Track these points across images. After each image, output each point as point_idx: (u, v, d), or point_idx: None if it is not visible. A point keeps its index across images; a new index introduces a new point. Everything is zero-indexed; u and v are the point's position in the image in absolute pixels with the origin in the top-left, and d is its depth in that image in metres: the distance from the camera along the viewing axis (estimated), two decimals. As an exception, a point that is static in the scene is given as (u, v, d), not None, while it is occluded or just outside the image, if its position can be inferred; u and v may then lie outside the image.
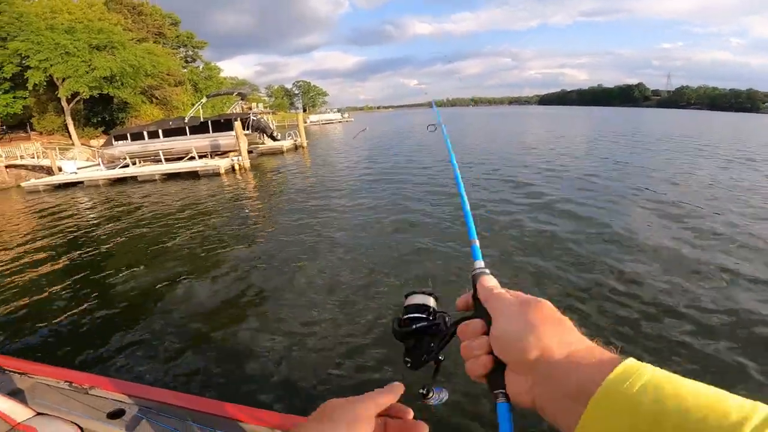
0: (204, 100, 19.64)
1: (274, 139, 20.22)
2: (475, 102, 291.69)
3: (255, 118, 18.61)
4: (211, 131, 17.44)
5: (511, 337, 0.34)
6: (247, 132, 17.52)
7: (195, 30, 50.87)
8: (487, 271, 0.45)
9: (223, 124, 17.12)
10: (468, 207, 0.60)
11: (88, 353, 3.63)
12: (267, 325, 3.86)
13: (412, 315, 0.44)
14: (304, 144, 21.04)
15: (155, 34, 40.56)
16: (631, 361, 0.29)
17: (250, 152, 18.88)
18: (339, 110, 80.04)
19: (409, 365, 0.44)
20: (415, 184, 10.11)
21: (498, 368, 0.35)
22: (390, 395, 0.39)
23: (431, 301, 0.45)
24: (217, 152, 17.51)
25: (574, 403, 0.29)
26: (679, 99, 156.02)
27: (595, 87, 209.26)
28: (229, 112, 20.72)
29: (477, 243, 0.52)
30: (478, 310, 0.40)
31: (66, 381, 1.66)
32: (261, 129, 18.69)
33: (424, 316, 0.44)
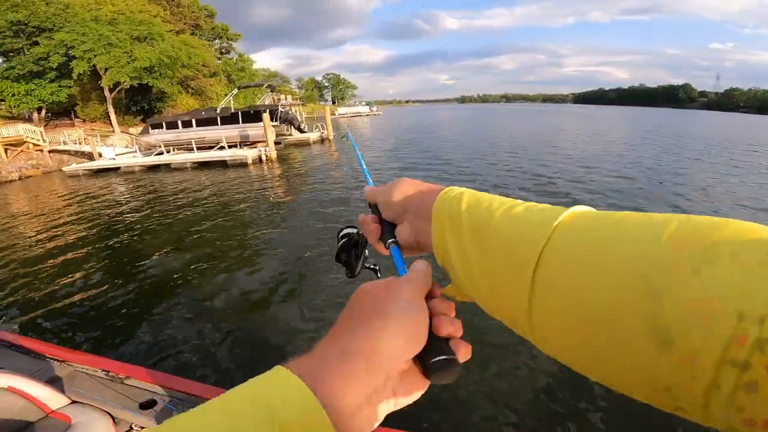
0: (235, 91, 20.08)
1: (301, 131, 20.40)
2: (508, 99, 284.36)
3: (284, 110, 18.83)
4: (241, 122, 17.78)
5: (385, 197, 0.41)
6: (275, 123, 17.77)
7: (230, 22, 52.13)
8: None
9: (253, 116, 17.40)
10: (360, 154, 0.68)
11: (118, 340, 3.74)
12: (302, 316, 3.87)
13: (341, 238, 0.53)
14: (331, 136, 21.14)
15: (192, 26, 41.79)
16: (451, 187, 0.37)
17: (278, 143, 19.20)
18: (368, 103, 79.88)
19: (349, 275, 0.52)
20: (439, 178, 9.94)
21: (387, 229, 0.42)
22: (428, 269, 0.36)
23: (354, 230, 0.52)
24: (246, 142, 17.85)
25: (428, 225, 0.36)
26: (728, 101, 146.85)
27: (635, 86, 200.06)
28: (259, 103, 21.05)
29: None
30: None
31: (103, 370, 1.70)
32: (289, 121, 18.89)
33: (350, 232, 0.52)
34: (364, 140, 22.58)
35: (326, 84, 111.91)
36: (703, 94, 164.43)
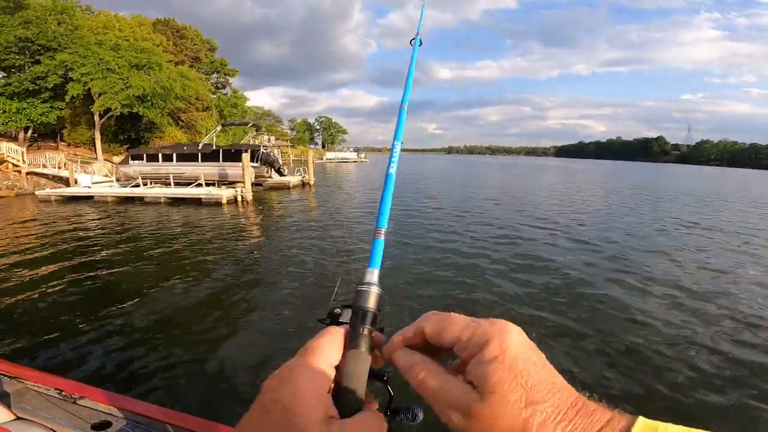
0: (218, 128, 20.37)
1: (281, 174, 20.59)
2: (492, 151, 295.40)
3: (264, 152, 19.11)
4: (221, 160, 17.92)
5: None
6: (255, 164, 17.95)
7: (230, 57, 53.87)
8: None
9: (234, 154, 17.57)
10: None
11: (75, 363, 3.80)
12: (257, 350, 4.07)
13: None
14: (311, 181, 21.34)
15: (192, 58, 42.93)
16: (643, 420, 0.28)
17: (259, 185, 19.32)
18: (356, 149, 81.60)
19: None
20: (419, 243, 10.02)
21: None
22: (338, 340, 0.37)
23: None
24: (225, 181, 17.90)
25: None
26: (698, 154, 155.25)
27: (613, 139, 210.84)
28: (243, 142, 21.36)
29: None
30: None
31: (56, 389, 1.63)
32: (269, 163, 19.12)
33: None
34: (347, 188, 22.91)
35: (318, 127, 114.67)
36: (675, 147, 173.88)
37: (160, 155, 18.96)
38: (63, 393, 1.62)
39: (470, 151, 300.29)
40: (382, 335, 0.43)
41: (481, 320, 0.35)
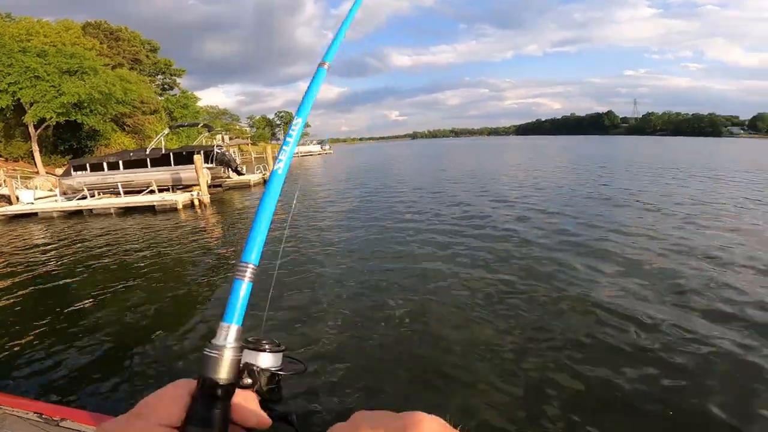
0: (166, 131, 19.28)
1: (238, 173, 19.81)
2: (456, 133, 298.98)
3: (219, 152, 18.26)
4: (173, 164, 16.97)
5: None
6: (211, 165, 17.15)
7: (178, 57, 51.48)
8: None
9: (185, 157, 16.66)
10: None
11: (45, 387, 3.61)
12: None
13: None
14: (273, 176, 20.73)
15: (131, 60, 40.42)
16: None
17: (218, 186, 18.51)
18: (320, 142, 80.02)
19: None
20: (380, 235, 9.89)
21: None
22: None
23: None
24: (179, 186, 16.99)
25: None
26: (646, 126, 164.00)
27: (568, 116, 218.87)
28: (196, 144, 20.35)
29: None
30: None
31: (36, 412, 1.60)
32: (226, 163, 18.30)
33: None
34: (313, 180, 22.43)
35: (278, 122, 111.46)
36: (624, 120, 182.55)
37: (104, 164, 17.71)
38: (44, 416, 1.60)
39: (434, 135, 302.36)
40: (248, 411, 0.38)
41: (390, 420, 0.30)
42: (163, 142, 18.35)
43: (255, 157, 39.48)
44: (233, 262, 7.32)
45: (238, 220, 11.95)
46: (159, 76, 47.08)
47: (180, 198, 14.17)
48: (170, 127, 21.07)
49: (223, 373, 0.36)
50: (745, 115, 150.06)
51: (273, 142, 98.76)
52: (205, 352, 0.37)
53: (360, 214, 10.98)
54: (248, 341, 0.45)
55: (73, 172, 17.88)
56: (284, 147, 0.51)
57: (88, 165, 17.91)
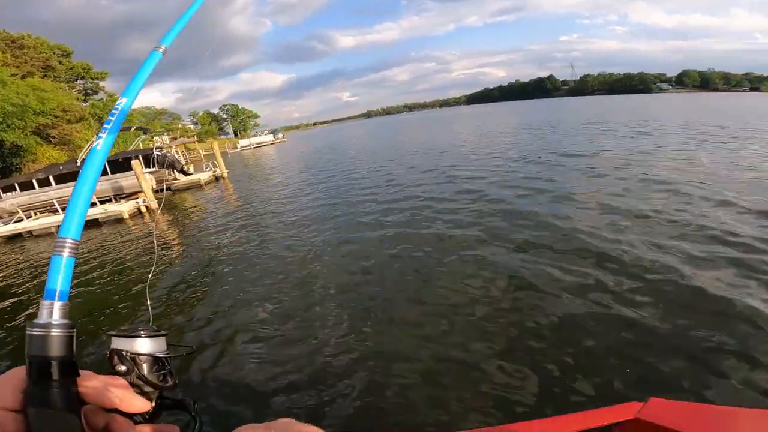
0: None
1: (185, 173, 18.79)
2: (409, 108, 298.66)
3: (160, 153, 17.15)
4: (110, 172, 15.77)
5: None
6: (153, 169, 16.12)
7: (100, 60, 47.60)
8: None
9: (123, 164, 15.52)
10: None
11: None
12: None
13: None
14: (225, 174, 19.82)
15: (42, 68, 36.74)
16: None
17: (167, 189, 17.48)
18: (273, 131, 77.20)
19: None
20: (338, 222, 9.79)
21: None
22: None
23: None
24: (122, 194, 15.89)
25: None
26: (584, 87, 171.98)
27: (513, 83, 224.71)
28: (132, 149, 18.98)
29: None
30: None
31: None
32: (169, 164, 17.25)
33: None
34: (269, 171, 21.67)
35: (224, 116, 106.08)
36: (564, 83, 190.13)
37: (34, 181, 16.19)
38: None
39: (388, 112, 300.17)
40: (108, 392, 0.37)
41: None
42: (95, 151, 16.94)
43: (204, 155, 37.61)
44: (190, 263, 7.03)
45: (191, 221, 11.38)
46: (78, 82, 44.01)
47: (125, 207, 13.27)
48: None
49: (52, 351, 0.34)
50: (672, 73, 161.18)
51: (222, 137, 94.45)
52: (28, 331, 0.35)
53: (308, 198, 10.87)
54: (119, 329, 0.45)
55: (2, 194, 16.24)
56: (105, 125, 0.50)
57: (16, 185, 16.34)
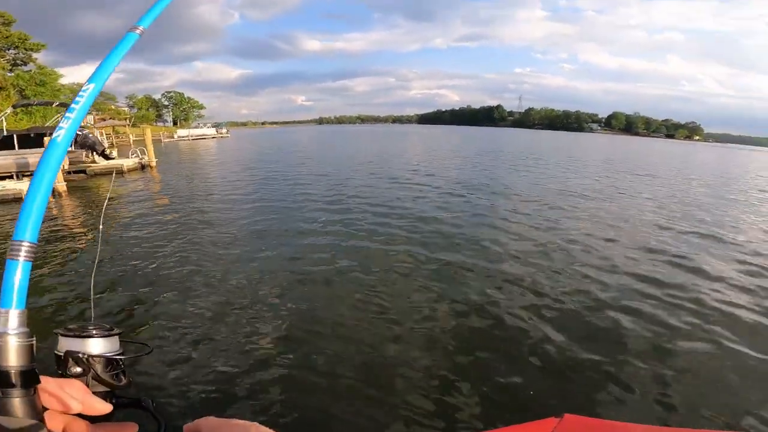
0: (8, 110, 16.15)
1: (106, 157, 17.52)
2: (362, 120, 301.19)
3: (80, 133, 15.91)
4: (17, 147, 14.32)
5: None
6: (70, 149, 14.87)
7: (44, 32, 43.90)
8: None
9: (34, 140, 14.18)
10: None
11: None
12: None
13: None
14: (153, 163, 18.75)
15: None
16: None
17: (81, 172, 16.14)
18: (216, 125, 73.69)
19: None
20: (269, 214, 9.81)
21: None
22: None
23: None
24: (27, 172, 14.45)
25: None
26: (527, 119, 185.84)
27: (464, 108, 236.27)
28: (49, 125, 17.38)
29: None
30: None
31: None
32: (89, 146, 16.03)
33: None
34: (203, 165, 20.84)
35: (166, 103, 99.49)
36: (510, 113, 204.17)
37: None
38: None
39: (340, 121, 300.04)
40: (68, 398, 0.37)
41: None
42: (4, 123, 15.34)
43: (134, 140, 35.10)
44: (88, 253, 6.68)
45: (107, 210, 10.70)
46: (10, 51, 40.71)
47: (25, 187, 12.08)
48: (14, 106, 17.58)
49: (11, 360, 0.34)
50: (604, 113, 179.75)
51: (159, 124, 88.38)
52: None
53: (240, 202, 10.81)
54: (69, 329, 0.45)
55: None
56: (68, 114, 0.46)
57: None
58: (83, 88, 0.48)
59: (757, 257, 6.60)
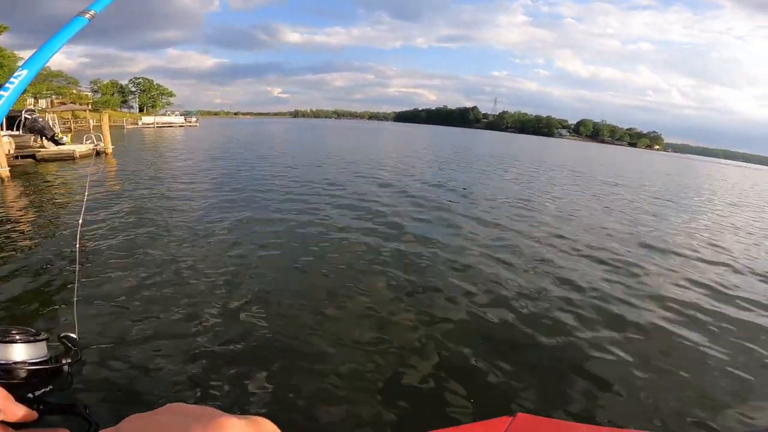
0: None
1: (56, 142, 17.01)
2: (338, 115, 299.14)
3: (29, 117, 15.37)
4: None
5: None
6: (15, 133, 14.45)
7: (23, 15, 41.30)
8: None
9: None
10: None
11: None
12: None
13: None
14: (109, 149, 18.34)
15: None
16: None
17: (29, 157, 15.65)
18: (186, 113, 71.29)
19: None
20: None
21: None
22: None
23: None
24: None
25: None
26: (500, 122, 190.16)
27: (441, 108, 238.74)
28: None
29: None
30: None
31: None
32: (38, 131, 15.49)
33: None
34: (165, 154, 20.47)
35: (134, 89, 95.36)
36: (485, 116, 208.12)
37: None
38: None
39: (316, 115, 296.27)
40: None
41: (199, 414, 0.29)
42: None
43: (94, 125, 33.82)
44: (28, 246, 6.55)
45: (48, 197, 10.59)
46: None
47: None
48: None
49: None
50: (573, 119, 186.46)
51: (125, 110, 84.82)
52: None
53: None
54: None
55: None
56: (2, 92, 0.43)
57: None
58: (15, 74, 0.46)
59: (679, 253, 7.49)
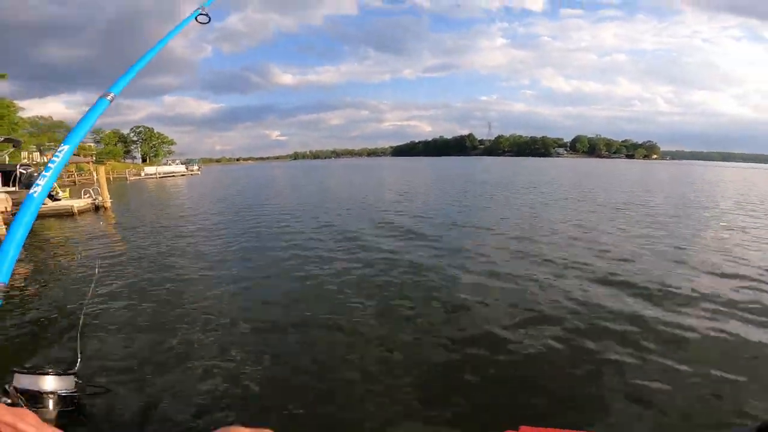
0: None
1: (53, 198, 16.44)
2: (337, 154, 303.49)
3: (26, 172, 14.92)
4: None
5: None
6: (11, 189, 13.91)
7: (17, 62, 42.71)
8: None
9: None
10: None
11: None
12: None
13: None
14: (108, 203, 17.63)
15: None
16: None
17: (27, 214, 15.01)
18: (188, 161, 72.05)
19: None
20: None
21: None
22: None
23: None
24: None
25: None
26: (497, 147, 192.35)
27: (437, 138, 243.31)
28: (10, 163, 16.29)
29: None
30: None
31: None
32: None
33: None
34: (165, 208, 19.99)
35: (135, 138, 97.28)
36: (481, 142, 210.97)
37: None
38: None
39: (316, 156, 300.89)
40: (10, 420, 0.41)
41: None
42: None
43: (98, 178, 33.60)
44: (32, 304, 5.85)
45: (49, 256, 9.72)
46: None
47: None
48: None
49: None
50: (567, 136, 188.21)
51: (128, 160, 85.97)
52: None
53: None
54: (25, 367, 0.50)
55: None
56: (45, 173, 0.52)
57: None
58: (59, 149, 0.56)
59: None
